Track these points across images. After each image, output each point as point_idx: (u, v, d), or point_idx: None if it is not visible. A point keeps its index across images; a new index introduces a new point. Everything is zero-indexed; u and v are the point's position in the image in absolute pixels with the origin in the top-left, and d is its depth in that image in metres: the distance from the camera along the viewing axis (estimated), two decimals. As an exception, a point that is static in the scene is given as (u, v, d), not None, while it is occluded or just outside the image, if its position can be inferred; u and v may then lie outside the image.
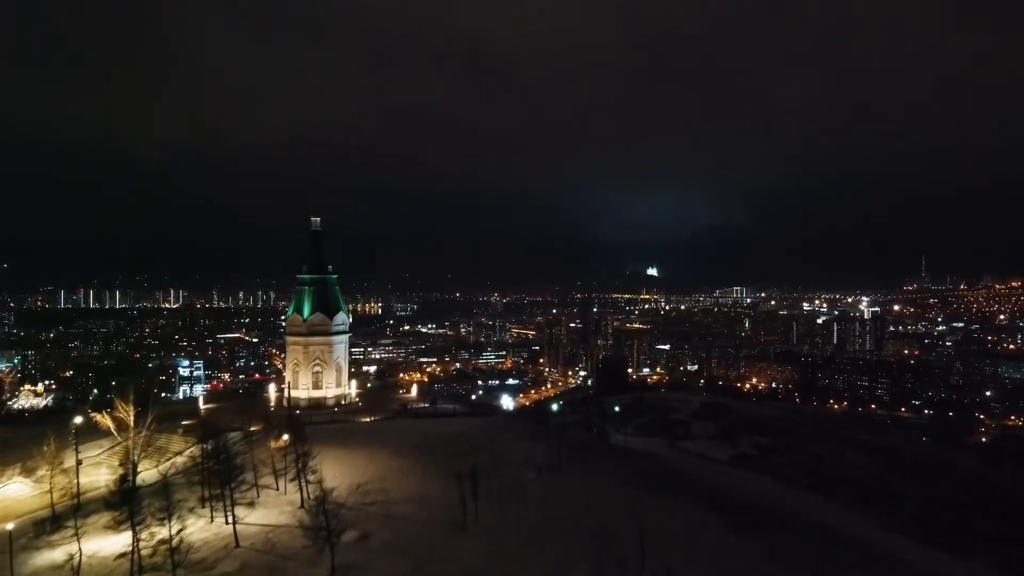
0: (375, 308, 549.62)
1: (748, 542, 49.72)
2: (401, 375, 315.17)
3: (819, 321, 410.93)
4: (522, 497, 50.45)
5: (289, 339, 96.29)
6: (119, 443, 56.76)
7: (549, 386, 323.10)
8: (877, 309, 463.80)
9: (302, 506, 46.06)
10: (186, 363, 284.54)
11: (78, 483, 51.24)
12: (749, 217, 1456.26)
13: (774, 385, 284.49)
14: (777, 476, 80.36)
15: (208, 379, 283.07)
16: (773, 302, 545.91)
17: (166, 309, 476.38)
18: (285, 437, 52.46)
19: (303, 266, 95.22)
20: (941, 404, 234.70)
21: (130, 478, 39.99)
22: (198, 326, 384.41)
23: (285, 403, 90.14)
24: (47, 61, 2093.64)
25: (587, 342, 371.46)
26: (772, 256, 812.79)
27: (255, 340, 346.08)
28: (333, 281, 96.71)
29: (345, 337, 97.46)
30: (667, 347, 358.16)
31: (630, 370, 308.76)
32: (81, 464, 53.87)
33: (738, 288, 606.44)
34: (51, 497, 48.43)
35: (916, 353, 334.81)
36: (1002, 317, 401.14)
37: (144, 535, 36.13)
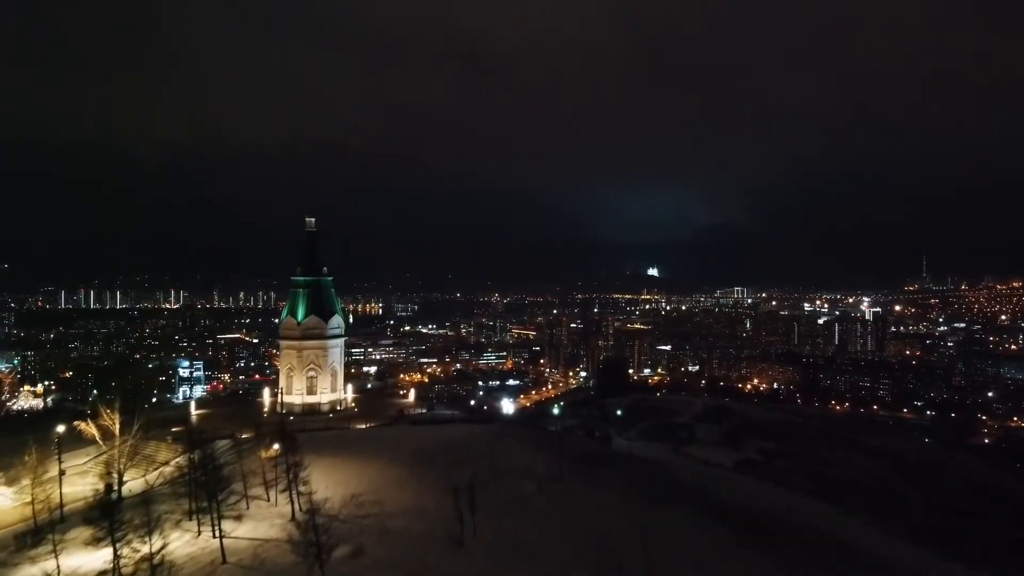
0: (375, 308, 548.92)
1: (757, 555, 48.29)
2: (401, 376, 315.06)
3: (820, 321, 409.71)
4: (522, 510, 48.92)
5: (283, 343, 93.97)
6: (106, 451, 55.14)
7: (550, 387, 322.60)
8: (878, 309, 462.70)
9: (293, 519, 44.41)
10: (186, 364, 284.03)
11: (61, 494, 49.64)
12: (749, 217, 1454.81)
13: (776, 386, 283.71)
14: (783, 482, 79.05)
15: (208, 380, 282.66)
16: (774, 302, 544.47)
17: (166, 309, 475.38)
18: (276, 446, 50.74)
19: (297, 267, 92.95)
20: (943, 405, 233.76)
21: (112, 490, 38.60)
22: (198, 326, 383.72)
23: (280, 408, 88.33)
24: (47, 61, 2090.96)
25: (588, 342, 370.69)
26: (773, 256, 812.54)
27: (255, 341, 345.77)
28: (328, 283, 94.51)
29: (340, 341, 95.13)
30: (668, 348, 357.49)
31: (631, 371, 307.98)
32: (64, 474, 52.16)
33: (739, 288, 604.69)
34: (33, 509, 46.89)
35: (918, 354, 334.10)
36: (1004, 317, 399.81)
37: (126, 551, 34.68)
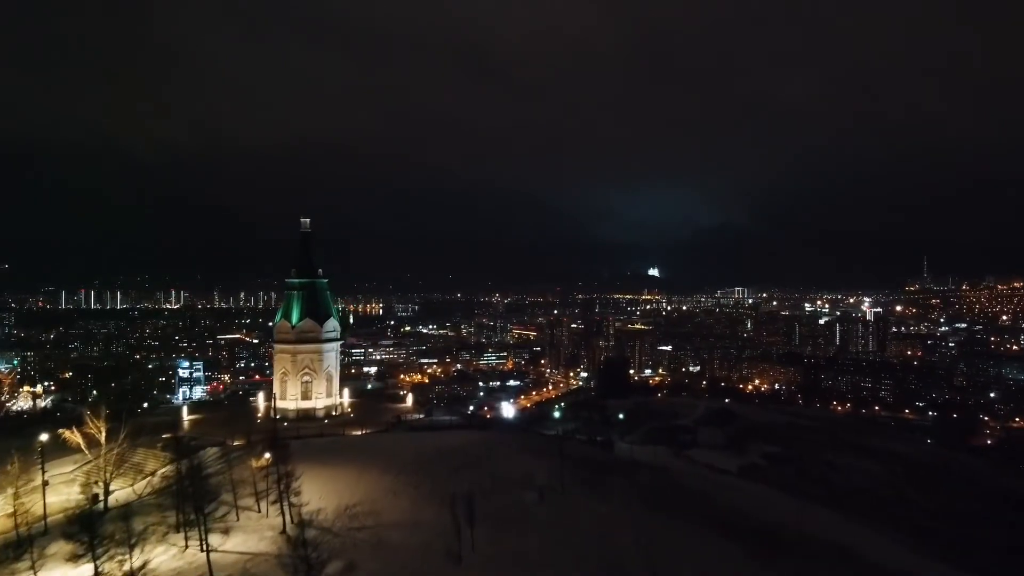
0: (376, 308, 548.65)
1: (768, 570, 46.68)
2: (401, 376, 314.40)
3: (821, 322, 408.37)
4: (523, 522, 47.36)
5: (277, 347, 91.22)
6: (91, 460, 53.59)
7: (550, 387, 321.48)
8: (879, 310, 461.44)
9: (284, 531, 43.03)
10: (186, 364, 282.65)
11: (44, 504, 48.03)
12: (750, 217, 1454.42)
13: (777, 387, 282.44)
14: (789, 488, 77.50)
15: (208, 380, 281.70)
16: (775, 303, 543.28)
17: (167, 310, 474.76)
18: (267, 456, 49.03)
19: (292, 269, 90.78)
20: (945, 406, 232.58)
21: (98, 500, 37.27)
22: (198, 327, 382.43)
23: (274, 414, 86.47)
24: (47, 61, 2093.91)
25: (588, 343, 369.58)
26: (773, 256, 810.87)
27: (255, 341, 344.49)
28: (323, 285, 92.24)
29: (336, 345, 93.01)
30: (669, 348, 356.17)
31: (631, 371, 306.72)
32: (48, 484, 50.56)
33: (739, 288, 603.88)
34: (15, 520, 45.13)
35: (919, 354, 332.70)
36: (1005, 318, 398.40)
37: (108, 566, 33.42)
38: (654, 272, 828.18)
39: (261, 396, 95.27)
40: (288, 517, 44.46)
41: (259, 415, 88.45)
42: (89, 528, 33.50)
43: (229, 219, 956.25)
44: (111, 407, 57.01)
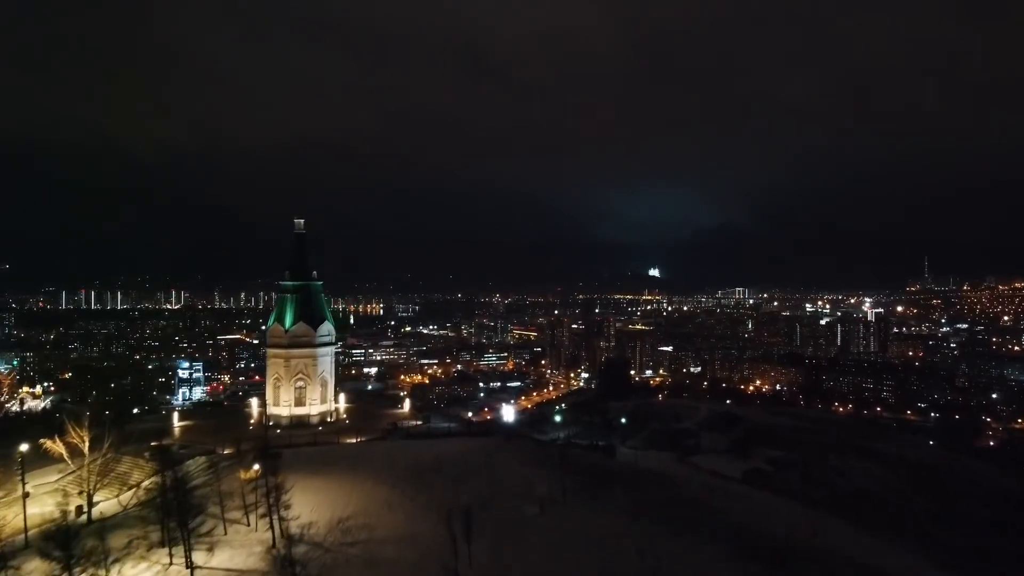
0: (376, 309, 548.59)
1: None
2: (402, 377, 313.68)
3: (822, 322, 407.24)
4: (522, 536, 45.73)
5: (269, 351, 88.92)
6: (76, 469, 51.86)
7: (551, 388, 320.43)
8: (880, 310, 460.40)
9: (274, 546, 41.53)
10: (186, 365, 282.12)
11: (25, 516, 46.30)
12: (750, 217, 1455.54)
13: (778, 387, 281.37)
14: (797, 496, 75.75)
15: (208, 381, 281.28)
16: (775, 303, 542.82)
17: (167, 310, 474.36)
18: (256, 467, 47.21)
19: (286, 271, 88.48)
20: (947, 407, 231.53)
21: (77, 513, 35.53)
22: (199, 327, 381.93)
23: (266, 421, 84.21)
24: (47, 61, 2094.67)
25: (589, 343, 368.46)
26: (774, 257, 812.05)
27: (255, 342, 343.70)
28: (318, 288, 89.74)
29: (331, 349, 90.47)
30: (670, 349, 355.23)
31: (632, 372, 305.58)
32: (29, 496, 49.00)
33: (740, 289, 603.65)
34: None
35: (920, 355, 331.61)
36: (1006, 318, 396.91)
37: None
38: (654, 272, 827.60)
39: (255, 402, 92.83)
40: (278, 531, 42.97)
41: (252, 421, 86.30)
42: (65, 545, 32.11)
43: (229, 219, 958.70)
44: (97, 413, 55.00)
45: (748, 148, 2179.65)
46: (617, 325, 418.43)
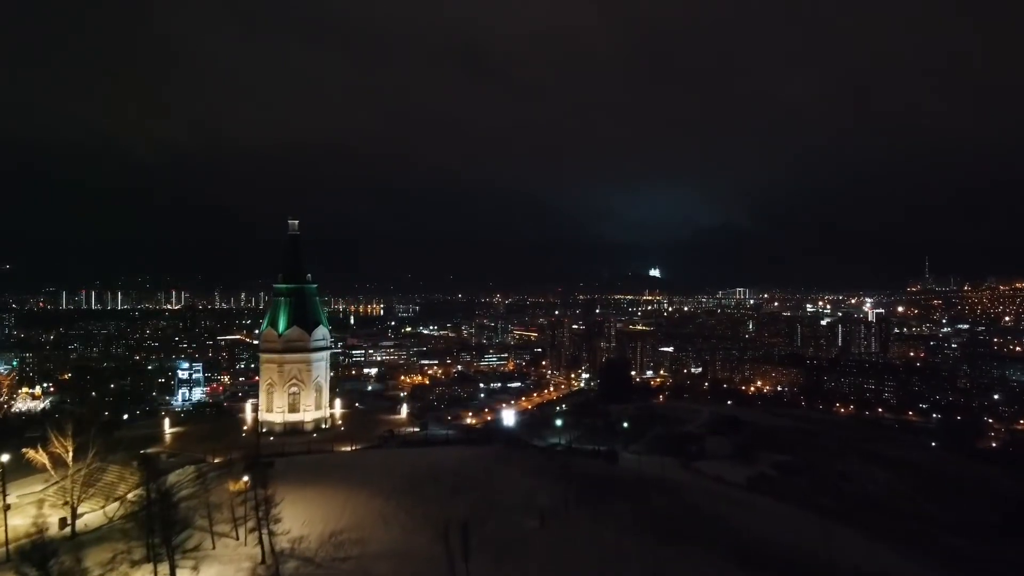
0: (376, 309, 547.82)
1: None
2: (402, 378, 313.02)
3: (823, 323, 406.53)
4: (522, 551, 44.05)
5: (263, 356, 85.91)
6: (60, 480, 49.97)
7: (552, 389, 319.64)
8: (881, 310, 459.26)
9: (263, 562, 40.00)
10: (186, 365, 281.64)
11: (6, 529, 44.65)
12: (750, 217, 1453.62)
13: (780, 388, 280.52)
14: (803, 503, 74.65)
15: (208, 381, 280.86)
16: (776, 303, 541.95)
17: (167, 310, 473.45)
18: (245, 478, 45.36)
19: (279, 274, 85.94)
20: (949, 408, 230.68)
21: (66, 525, 34.21)
22: (199, 328, 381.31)
23: (262, 428, 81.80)
24: (47, 61, 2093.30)
25: (590, 344, 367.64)
26: (774, 257, 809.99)
27: (255, 342, 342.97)
28: (312, 291, 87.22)
29: (326, 354, 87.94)
30: (670, 349, 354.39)
31: (633, 373, 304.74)
32: (9, 508, 47.43)
33: (740, 289, 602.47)
34: None
35: (922, 355, 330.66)
36: (1007, 319, 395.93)
37: None
38: (655, 272, 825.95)
39: (249, 407, 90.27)
40: (268, 546, 41.36)
41: (245, 427, 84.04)
42: (41, 564, 30.67)
43: (229, 219, 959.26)
44: (83, 420, 53.24)
45: (748, 148, 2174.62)
46: (618, 325, 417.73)
